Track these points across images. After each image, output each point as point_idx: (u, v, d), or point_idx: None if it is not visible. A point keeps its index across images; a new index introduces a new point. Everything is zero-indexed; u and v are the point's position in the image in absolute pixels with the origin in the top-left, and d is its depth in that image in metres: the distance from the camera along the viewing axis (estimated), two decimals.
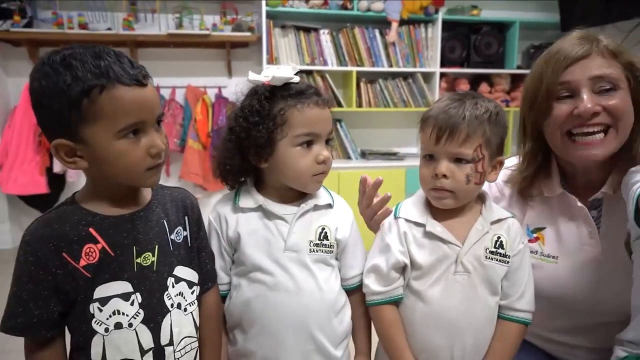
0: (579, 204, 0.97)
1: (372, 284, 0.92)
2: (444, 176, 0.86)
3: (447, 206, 0.89)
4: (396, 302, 0.92)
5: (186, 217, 0.85)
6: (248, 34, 2.91)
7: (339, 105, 3.05)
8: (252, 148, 0.88)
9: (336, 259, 0.96)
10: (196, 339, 0.83)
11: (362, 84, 3.09)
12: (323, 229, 0.93)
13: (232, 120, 0.92)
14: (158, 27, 2.93)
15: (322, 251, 0.92)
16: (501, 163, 0.92)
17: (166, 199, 0.83)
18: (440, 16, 3.05)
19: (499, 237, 0.90)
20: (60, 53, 0.69)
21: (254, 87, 0.92)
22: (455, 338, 0.87)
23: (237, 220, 0.92)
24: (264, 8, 2.84)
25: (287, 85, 0.89)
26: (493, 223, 0.91)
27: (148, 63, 3.32)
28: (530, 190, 1.04)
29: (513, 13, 3.28)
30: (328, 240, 0.93)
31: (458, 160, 0.86)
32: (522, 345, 0.94)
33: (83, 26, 2.82)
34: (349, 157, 3.16)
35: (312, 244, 0.91)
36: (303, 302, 0.89)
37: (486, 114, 0.86)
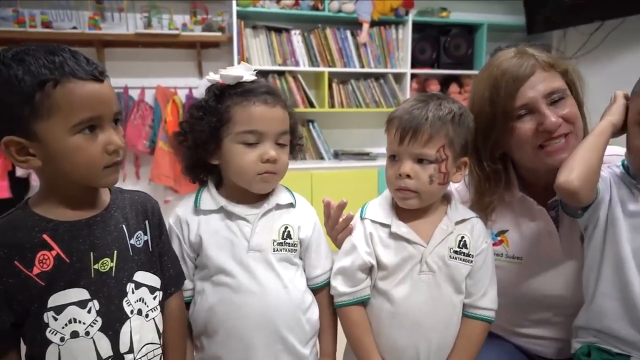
0: (538, 205, 1.00)
1: (340, 286, 0.92)
2: (408, 176, 0.87)
3: (412, 206, 0.90)
4: (363, 303, 0.92)
5: (146, 221, 0.83)
6: (219, 34, 2.88)
7: (311, 105, 3.06)
8: (198, 143, 0.90)
9: (300, 258, 0.96)
10: (159, 346, 0.81)
11: (334, 85, 3.10)
12: (286, 227, 0.93)
13: (185, 117, 0.94)
14: (126, 26, 2.87)
15: (286, 250, 0.92)
16: (466, 164, 0.93)
17: (125, 202, 0.82)
18: (410, 18, 3.09)
19: (462, 237, 0.91)
20: (12, 50, 0.67)
21: (210, 85, 0.93)
22: (421, 337, 0.88)
23: (198, 223, 0.91)
24: (235, 8, 2.82)
25: (239, 84, 0.90)
26: (457, 223, 0.92)
27: (116, 63, 3.22)
28: (489, 202, 1.04)
29: (481, 15, 3.35)
30: (291, 239, 0.93)
31: (421, 160, 0.87)
32: (490, 338, 0.96)
33: (46, 25, 2.72)
34: (321, 158, 3.17)
35: (275, 243, 0.91)
36: (269, 302, 0.88)
37: (449, 114, 0.87)
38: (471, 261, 0.91)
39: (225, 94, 0.90)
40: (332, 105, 3.11)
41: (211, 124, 0.88)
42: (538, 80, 0.94)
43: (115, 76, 3.36)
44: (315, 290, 0.97)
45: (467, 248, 0.91)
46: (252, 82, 0.91)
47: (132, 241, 0.79)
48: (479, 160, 1.01)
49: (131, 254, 0.78)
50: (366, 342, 0.91)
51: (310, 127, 3.17)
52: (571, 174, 0.84)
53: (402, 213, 0.93)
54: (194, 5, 2.97)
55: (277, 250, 0.91)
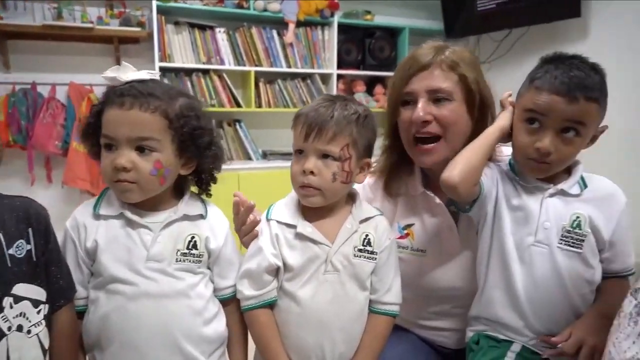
0: (438, 200, 1.05)
1: (245, 289, 0.91)
2: (312, 173, 0.88)
3: (315, 204, 0.91)
4: (271, 305, 0.92)
5: (30, 229, 0.77)
6: (138, 29, 2.75)
7: (238, 105, 3.01)
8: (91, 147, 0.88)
9: (208, 268, 0.94)
10: None
11: (261, 84, 3.07)
12: (192, 237, 0.90)
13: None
14: (32, 17, 2.65)
15: (190, 260, 0.89)
16: (369, 165, 0.96)
17: (4, 209, 0.75)
18: (335, 19, 3.13)
19: (367, 235, 0.93)
20: None
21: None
22: (327, 336, 0.89)
23: (97, 228, 0.87)
24: (155, 3, 2.71)
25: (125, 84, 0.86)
26: (362, 222, 0.94)
27: (21, 57, 2.98)
28: (397, 188, 1.11)
29: (403, 19, 3.47)
30: (197, 249, 0.90)
31: (326, 156, 0.88)
32: (395, 330, 0.99)
33: None
34: (249, 158, 3.13)
35: (179, 253, 0.88)
36: (166, 309, 0.85)
37: (354, 115, 0.90)
38: (375, 258, 0.93)
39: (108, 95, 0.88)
40: (260, 105, 3.08)
41: (93, 126, 0.86)
42: (429, 75, 0.98)
43: (21, 70, 3.10)
44: (225, 302, 0.95)
45: (371, 246, 0.93)
46: (140, 81, 0.86)
47: (11, 251, 0.73)
48: (390, 146, 1.08)
49: (9, 265, 0.72)
50: (273, 345, 0.90)
51: (237, 127, 3.12)
52: (453, 171, 0.90)
53: (308, 213, 0.93)
54: None
55: (180, 260, 0.88)
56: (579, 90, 0.85)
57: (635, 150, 2.37)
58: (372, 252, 0.93)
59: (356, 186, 1.02)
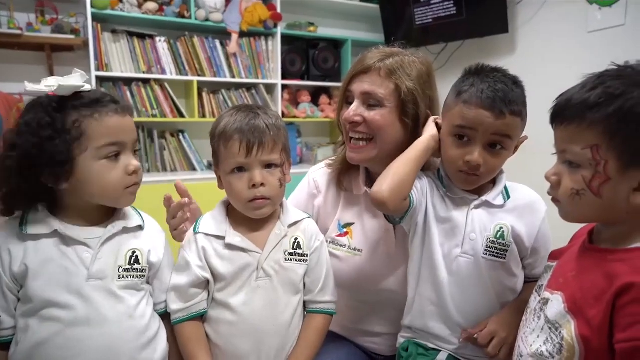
0: None
1: (173, 303, 0.91)
2: (262, 185, 0.88)
3: (265, 214, 0.92)
4: (202, 317, 0.91)
5: None
6: (71, 36, 2.62)
7: (181, 115, 2.95)
8: (48, 167, 0.78)
9: (147, 282, 0.91)
10: None
11: (204, 94, 3.02)
12: (134, 252, 0.87)
13: (12, 137, 0.79)
14: None
15: (133, 276, 0.86)
16: (290, 165, 0.99)
17: None
18: (279, 30, 3.15)
19: (296, 239, 0.95)
20: None
21: (37, 99, 0.82)
22: (262, 342, 0.90)
23: (24, 250, 0.80)
24: (89, 10, 2.60)
25: (77, 94, 0.81)
26: (290, 226, 0.96)
27: None
28: (347, 182, 1.15)
29: (345, 31, 3.56)
30: (139, 264, 0.87)
31: (269, 166, 0.90)
32: (331, 339, 1.01)
33: None
34: (194, 169, 3.06)
35: (121, 270, 0.85)
36: (110, 333, 0.81)
37: (279, 120, 0.93)
38: (306, 260, 0.95)
39: (67, 107, 0.80)
40: (203, 115, 3.03)
41: (64, 143, 0.78)
42: (367, 80, 1.02)
43: None
44: (165, 315, 0.93)
45: (301, 248, 0.95)
46: (89, 91, 0.83)
47: None
48: (343, 141, 1.12)
49: None
50: (199, 357, 0.89)
51: (181, 137, 3.05)
52: (382, 186, 0.92)
53: (237, 222, 0.94)
54: (41, 4, 2.68)
55: (123, 277, 0.85)
56: (504, 105, 0.87)
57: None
58: (302, 255, 0.95)
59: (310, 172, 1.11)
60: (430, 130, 1.00)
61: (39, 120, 0.79)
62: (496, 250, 0.95)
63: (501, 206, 0.97)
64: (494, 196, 0.98)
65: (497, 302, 0.96)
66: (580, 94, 0.71)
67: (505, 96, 0.88)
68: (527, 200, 0.99)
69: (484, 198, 0.97)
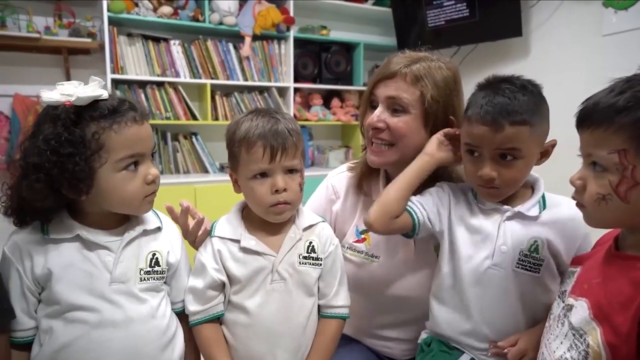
0: None
1: (190, 305, 0.92)
2: (284, 190, 0.90)
3: (285, 219, 0.94)
4: (219, 319, 0.93)
5: None
6: (88, 40, 2.67)
7: (194, 118, 2.97)
8: (67, 182, 0.77)
9: (165, 282, 0.92)
10: None
11: (217, 97, 3.05)
12: (154, 254, 0.89)
13: (34, 154, 0.77)
14: None
15: (154, 278, 0.87)
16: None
17: None
18: (292, 34, 3.17)
19: (310, 242, 0.95)
20: None
21: (54, 110, 0.78)
22: (277, 344, 0.91)
23: (46, 254, 0.81)
24: (106, 13, 2.65)
25: (95, 103, 0.80)
26: (305, 229, 0.97)
27: None
28: (366, 187, 1.14)
29: (358, 35, 3.56)
30: (160, 266, 0.89)
31: (290, 171, 0.91)
32: (344, 341, 1.01)
33: None
34: (206, 171, 3.09)
35: (142, 272, 0.86)
36: (134, 333, 0.82)
37: (297, 125, 0.94)
38: (320, 264, 0.95)
39: (85, 118, 0.78)
40: (216, 118, 3.06)
41: (87, 157, 0.77)
42: (393, 85, 1.01)
43: None
44: (181, 314, 0.94)
45: (315, 252, 0.95)
46: (107, 99, 0.82)
47: None
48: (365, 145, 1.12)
49: None
50: (218, 358, 0.90)
51: (194, 139, 3.08)
52: (371, 210, 0.95)
53: (252, 226, 0.95)
54: (59, 8, 2.73)
55: (144, 279, 0.86)
56: (502, 117, 0.85)
57: (574, 160, 2.53)
58: (317, 259, 0.95)
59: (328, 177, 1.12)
60: (428, 147, 0.99)
61: (57, 135, 0.77)
62: (529, 264, 0.92)
63: (535, 217, 0.94)
64: (528, 207, 0.94)
65: (527, 316, 0.93)
66: (608, 98, 0.69)
67: (503, 108, 0.85)
68: (566, 215, 0.93)
69: (516, 209, 0.94)
